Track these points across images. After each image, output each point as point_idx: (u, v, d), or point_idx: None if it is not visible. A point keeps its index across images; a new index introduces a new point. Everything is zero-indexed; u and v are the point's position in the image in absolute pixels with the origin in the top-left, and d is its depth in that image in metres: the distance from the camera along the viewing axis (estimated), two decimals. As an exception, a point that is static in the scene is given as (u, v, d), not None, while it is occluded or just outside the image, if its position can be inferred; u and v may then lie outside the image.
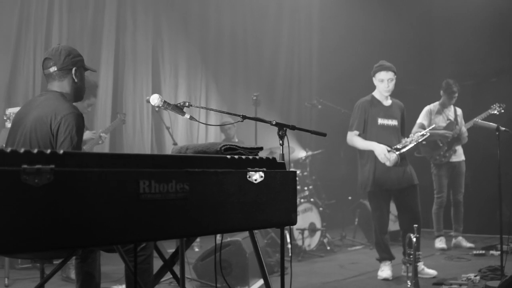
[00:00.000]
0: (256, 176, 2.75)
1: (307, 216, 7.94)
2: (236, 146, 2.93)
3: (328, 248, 8.24)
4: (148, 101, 5.41)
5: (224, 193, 2.61)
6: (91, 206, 2.14)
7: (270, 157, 2.95)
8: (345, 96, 9.23)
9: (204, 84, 10.04)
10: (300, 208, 7.74)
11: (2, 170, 1.92)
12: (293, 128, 3.78)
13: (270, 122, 3.69)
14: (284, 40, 11.62)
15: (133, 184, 2.25)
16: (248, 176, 2.72)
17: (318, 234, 8.07)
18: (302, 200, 7.96)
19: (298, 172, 8.39)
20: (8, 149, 1.99)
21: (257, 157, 2.89)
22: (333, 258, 7.80)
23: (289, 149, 3.46)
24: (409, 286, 5.41)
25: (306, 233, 7.81)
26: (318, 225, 8.09)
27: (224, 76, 10.44)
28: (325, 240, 8.30)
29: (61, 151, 2.11)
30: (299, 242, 7.65)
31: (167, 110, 3.89)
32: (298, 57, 11.90)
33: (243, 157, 2.79)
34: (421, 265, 6.21)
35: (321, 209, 8.39)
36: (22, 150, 2.01)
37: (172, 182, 2.38)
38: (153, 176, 2.32)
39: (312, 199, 8.30)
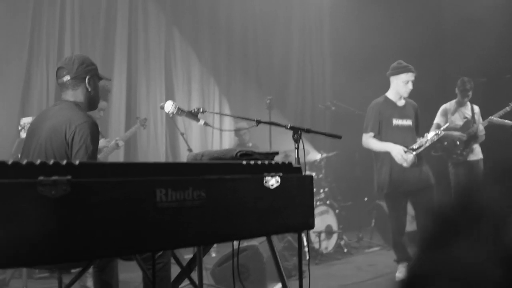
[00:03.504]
0: (273, 182, 2.73)
1: (324, 218, 7.90)
2: (252, 151, 2.91)
3: (345, 250, 8.19)
4: (162, 108, 5.42)
5: (241, 199, 2.60)
6: (108, 216, 2.13)
7: (286, 162, 2.94)
8: (359, 97, 9.17)
9: (217, 89, 10.01)
10: (316, 211, 7.70)
11: (18, 182, 1.92)
12: (307, 131, 3.77)
13: (285, 126, 3.69)
14: (295, 42, 11.56)
15: (149, 193, 2.25)
16: (264, 181, 2.70)
17: (335, 236, 8.03)
18: (318, 203, 7.91)
19: (313, 174, 8.35)
20: (24, 161, 1.98)
21: (273, 162, 2.87)
22: (351, 260, 7.77)
23: (304, 152, 3.45)
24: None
25: (323, 235, 7.78)
26: (335, 227, 8.05)
27: (237, 80, 10.41)
28: (342, 242, 8.26)
29: (77, 162, 2.10)
30: (316, 245, 7.62)
31: (181, 116, 3.90)
32: (310, 59, 11.84)
33: (259, 162, 2.78)
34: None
35: (337, 211, 8.34)
36: (38, 162, 2.01)
37: (188, 190, 2.37)
38: (170, 184, 2.31)
39: (328, 202, 8.26)
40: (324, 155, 8.73)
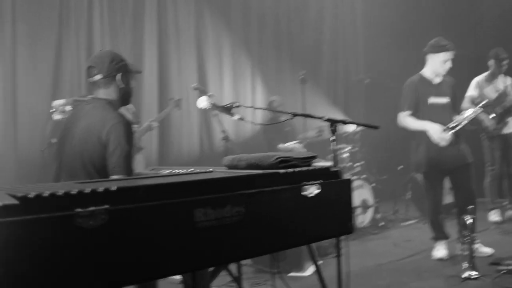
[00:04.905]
0: (312, 190, 2.68)
1: (360, 193, 7.86)
2: (290, 157, 2.85)
3: (381, 224, 8.15)
4: (196, 89, 5.37)
5: (280, 211, 2.56)
6: (147, 241, 2.10)
7: (324, 166, 2.88)
8: (393, 70, 9.03)
9: (250, 66, 9.86)
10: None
11: (55, 216, 1.89)
12: (344, 122, 3.72)
13: (321, 118, 3.64)
14: (328, 15, 11.38)
15: (188, 214, 2.22)
16: (303, 190, 2.65)
17: (370, 210, 8.00)
18: (354, 177, 7.85)
19: (349, 147, 8.31)
20: (61, 192, 1.94)
21: (311, 168, 2.82)
22: (387, 235, 7.74)
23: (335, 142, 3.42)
24: (465, 267, 5.32)
25: (358, 210, 7.75)
26: (371, 201, 8.01)
27: (269, 55, 10.25)
28: (378, 216, 8.22)
29: (114, 188, 2.06)
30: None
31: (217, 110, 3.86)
32: (343, 32, 11.65)
33: (297, 170, 2.72)
34: (476, 244, 6.07)
35: (373, 184, 8.29)
36: (74, 191, 1.97)
37: (227, 207, 2.33)
38: (208, 203, 2.27)
39: (363, 175, 8.21)
40: (359, 127, 8.60)
